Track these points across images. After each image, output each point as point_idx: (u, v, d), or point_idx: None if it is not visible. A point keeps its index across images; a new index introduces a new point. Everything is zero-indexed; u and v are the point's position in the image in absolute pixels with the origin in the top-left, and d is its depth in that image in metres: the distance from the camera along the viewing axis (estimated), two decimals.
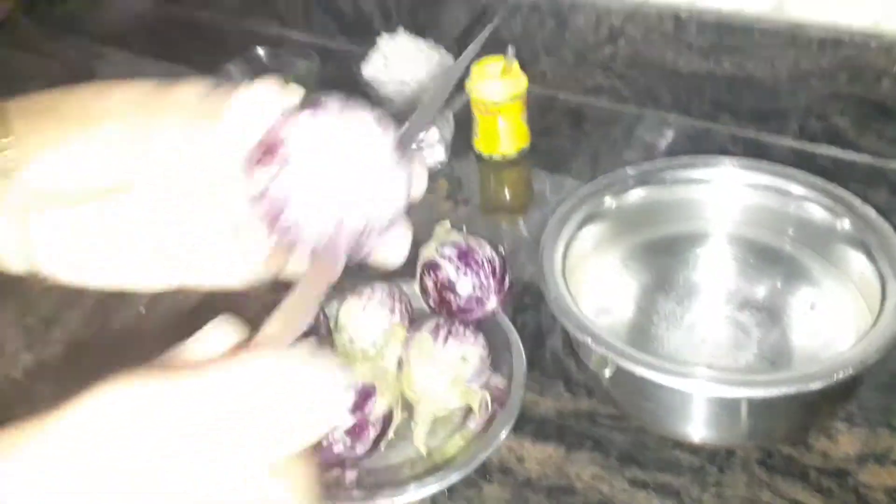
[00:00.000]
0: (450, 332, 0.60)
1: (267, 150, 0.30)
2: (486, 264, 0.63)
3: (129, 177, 0.31)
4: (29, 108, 0.31)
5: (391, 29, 1.07)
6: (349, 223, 0.30)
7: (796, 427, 0.55)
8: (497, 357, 0.62)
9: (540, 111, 0.96)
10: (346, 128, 0.30)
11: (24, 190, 0.31)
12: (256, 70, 1.05)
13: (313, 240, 0.30)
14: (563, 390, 0.61)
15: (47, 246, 0.32)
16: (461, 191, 0.87)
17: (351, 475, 0.56)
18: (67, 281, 0.33)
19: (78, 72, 1.19)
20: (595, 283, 0.65)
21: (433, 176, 0.88)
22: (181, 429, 0.23)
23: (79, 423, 0.23)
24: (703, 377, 0.51)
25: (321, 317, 0.62)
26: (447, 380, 0.58)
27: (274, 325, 0.28)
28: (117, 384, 0.24)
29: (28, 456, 0.22)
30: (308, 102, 0.31)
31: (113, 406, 0.23)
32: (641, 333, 0.63)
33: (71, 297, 0.79)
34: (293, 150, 0.29)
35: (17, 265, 0.33)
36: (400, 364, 0.60)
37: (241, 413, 0.23)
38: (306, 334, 0.60)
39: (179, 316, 0.74)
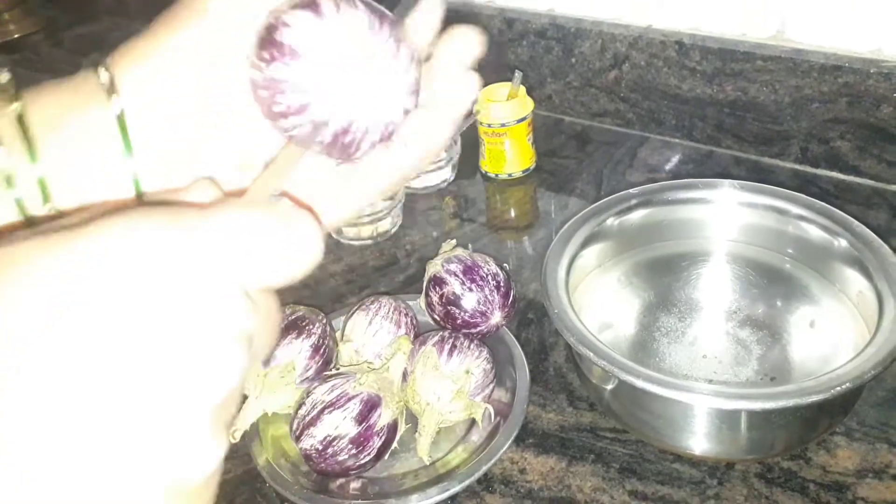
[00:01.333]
0: (454, 345, 0.61)
1: (267, 44, 0.28)
2: (490, 280, 0.64)
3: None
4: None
5: None
6: (341, 119, 0.29)
7: (795, 441, 0.56)
8: (501, 371, 0.63)
9: (546, 133, 0.98)
10: (347, 25, 0.29)
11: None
12: None
13: (309, 130, 0.29)
14: (565, 404, 0.62)
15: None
16: (467, 209, 0.88)
17: (355, 484, 0.57)
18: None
19: None
20: (598, 299, 0.66)
21: (440, 194, 0.90)
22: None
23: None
24: (703, 390, 0.52)
25: (328, 329, 0.63)
26: (451, 392, 0.59)
27: (251, 190, 0.28)
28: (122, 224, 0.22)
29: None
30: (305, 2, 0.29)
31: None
32: (643, 349, 0.63)
33: None
34: (295, 42, 0.28)
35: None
36: (405, 376, 0.61)
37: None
38: (317, 350, 0.61)
39: None
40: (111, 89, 0.29)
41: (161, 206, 0.23)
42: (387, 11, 0.30)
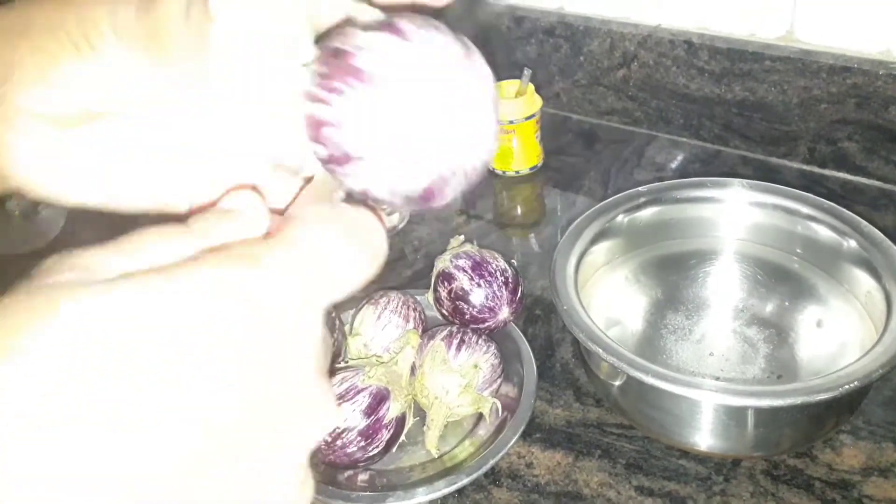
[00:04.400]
0: (463, 340, 0.61)
1: (335, 61, 0.24)
2: (499, 276, 0.65)
3: (131, 99, 0.27)
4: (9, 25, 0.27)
5: None
6: (433, 171, 0.25)
7: (802, 439, 0.56)
8: (508, 366, 0.63)
9: (554, 131, 0.98)
10: (434, 56, 0.24)
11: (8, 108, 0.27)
12: None
13: (377, 182, 0.25)
14: (572, 400, 0.63)
15: (31, 157, 0.28)
16: (475, 206, 0.89)
17: (363, 476, 0.58)
18: (48, 196, 0.29)
19: None
20: (606, 296, 0.66)
21: None
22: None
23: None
24: (711, 387, 0.52)
25: (337, 322, 0.63)
26: (459, 386, 0.59)
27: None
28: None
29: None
30: (381, 23, 0.24)
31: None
32: (650, 346, 0.64)
33: None
34: (370, 68, 0.23)
35: None
36: (413, 370, 0.61)
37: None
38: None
39: None
40: None
41: (222, 248, 0.21)
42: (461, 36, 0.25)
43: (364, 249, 0.23)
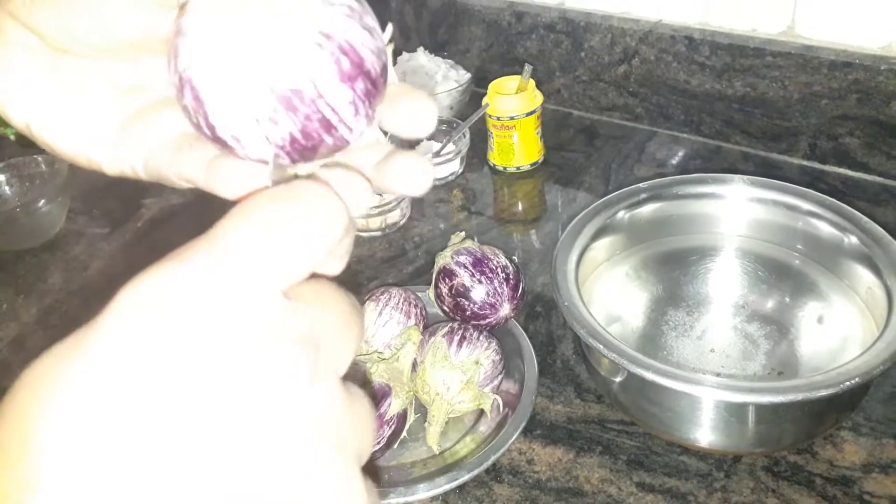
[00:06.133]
0: (464, 336, 0.61)
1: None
2: (500, 272, 0.65)
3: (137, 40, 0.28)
4: None
5: (410, 48, 1.09)
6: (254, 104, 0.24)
7: (802, 435, 0.56)
8: (509, 363, 0.63)
9: (554, 127, 0.99)
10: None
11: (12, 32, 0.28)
12: None
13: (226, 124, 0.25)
14: (573, 396, 0.63)
15: (22, 87, 0.30)
16: (475, 202, 0.89)
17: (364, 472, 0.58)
18: (26, 128, 0.30)
19: None
20: (607, 292, 0.66)
21: (448, 187, 0.91)
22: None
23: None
24: (712, 383, 0.52)
25: None
26: (460, 383, 0.59)
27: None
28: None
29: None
30: None
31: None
32: (651, 342, 0.64)
33: (92, 297, 0.81)
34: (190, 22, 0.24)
35: None
36: (415, 366, 0.61)
37: None
38: None
39: None
40: None
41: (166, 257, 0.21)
42: None
43: (309, 214, 0.21)
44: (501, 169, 0.92)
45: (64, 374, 0.19)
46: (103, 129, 0.31)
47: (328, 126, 0.25)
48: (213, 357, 0.19)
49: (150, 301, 0.19)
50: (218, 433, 0.19)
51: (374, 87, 0.26)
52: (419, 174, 0.28)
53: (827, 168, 0.85)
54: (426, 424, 0.59)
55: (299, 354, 0.20)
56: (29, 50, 0.30)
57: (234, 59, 0.24)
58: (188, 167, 0.29)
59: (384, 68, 0.26)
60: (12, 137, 0.97)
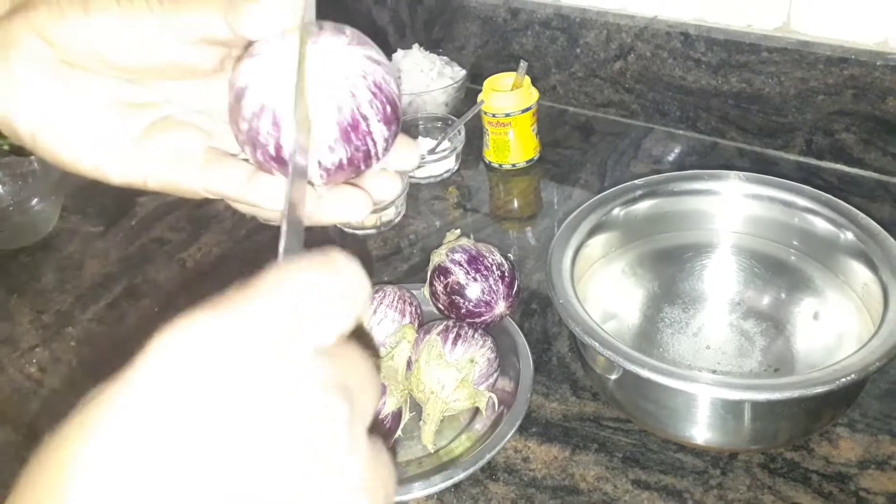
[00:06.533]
0: (459, 334, 0.61)
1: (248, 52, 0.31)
2: (495, 269, 0.64)
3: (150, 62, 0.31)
4: None
5: (406, 45, 1.09)
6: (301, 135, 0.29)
7: (799, 432, 0.56)
8: (504, 360, 0.63)
9: (550, 124, 0.98)
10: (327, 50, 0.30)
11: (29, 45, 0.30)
12: None
13: (267, 142, 0.30)
14: (568, 394, 0.62)
15: (32, 98, 0.31)
16: (471, 199, 0.88)
17: None
18: (30, 138, 0.32)
19: None
20: (602, 289, 0.66)
21: (444, 184, 0.90)
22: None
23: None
24: (708, 380, 0.52)
25: None
26: (455, 381, 0.59)
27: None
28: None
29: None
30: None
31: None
32: (647, 339, 0.64)
33: (86, 295, 0.81)
34: (265, 48, 0.30)
35: None
36: (409, 364, 0.61)
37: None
38: None
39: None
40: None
41: (206, 305, 0.22)
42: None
43: (345, 286, 0.23)
44: (497, 166, 0.91)
45: (104, 409, 0.20)
46: (113, 141, 0.33)
47: (368, 157, 0.31)
48: (252, 398, 0.20)
49: (193, 344, 0.20)
50: (251, 471, 0.20)
51: (399, 128, 0.32)
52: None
53: (823, 164, 0.85)
54: (421, 423, 0.59)
55: (340, 402, 0.22)
56: (41, 61, 0.31)
57: (310, 94, 0.29)
58: (219, 182, 0.33)
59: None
60: (6, 148, 0.97)
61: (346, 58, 0.30)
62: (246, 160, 0.33)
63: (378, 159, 0.32)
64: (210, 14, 0.30)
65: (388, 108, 0.31)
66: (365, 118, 0.30)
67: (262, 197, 0.32)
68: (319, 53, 0.30)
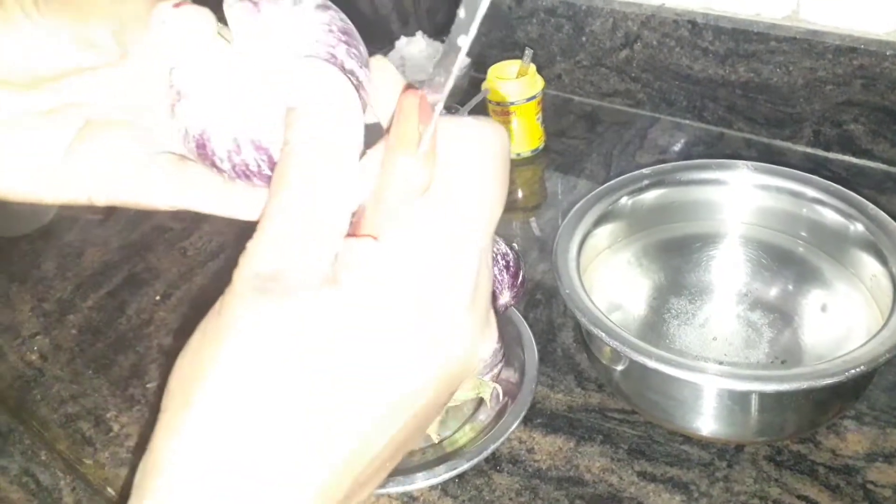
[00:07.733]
0: None
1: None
2: (499, 260, 0.64)
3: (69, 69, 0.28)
4: None
5: (409, 32, 1.08)
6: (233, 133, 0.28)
7: (806, 424, 0.55)
8: (509, 351, 0.62)
9: (555, 113, 0.97)
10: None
11: None
12: None
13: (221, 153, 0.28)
14: (573, 385, 0.62)
15: None
16: None
17: None
18: None
19: None
20: (608, 280, 0.65)
21: None
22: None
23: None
24: (714, 371, 0.51)
25: None
26: None
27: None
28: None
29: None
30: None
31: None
32: (653, 330, 0.63)
33: (87, 283, 0.80)
34: (188, 85, 0.28)
35: None
36: None
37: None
38: None
39: (193, 304, 0.75)
40: None
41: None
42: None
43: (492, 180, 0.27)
44: None
45: (205, 355, 0.24)
46: (42, 158, 0.29)
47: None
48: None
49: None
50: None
51: (366, 52, 0.31)
52: None
53: (831, 155, 0.84)
54: None
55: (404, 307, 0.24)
56: None
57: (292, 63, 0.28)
58: (191, 198, 0.30)
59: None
60: None
61: (303, 19, 0.28)
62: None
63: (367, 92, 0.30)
64: (95, 27, 0.27)
65: (361, 48, 0.30)
66: (352, 73, 0.29)
67: (243, 210, 0.30)
68: (277, 25, 0.27)
